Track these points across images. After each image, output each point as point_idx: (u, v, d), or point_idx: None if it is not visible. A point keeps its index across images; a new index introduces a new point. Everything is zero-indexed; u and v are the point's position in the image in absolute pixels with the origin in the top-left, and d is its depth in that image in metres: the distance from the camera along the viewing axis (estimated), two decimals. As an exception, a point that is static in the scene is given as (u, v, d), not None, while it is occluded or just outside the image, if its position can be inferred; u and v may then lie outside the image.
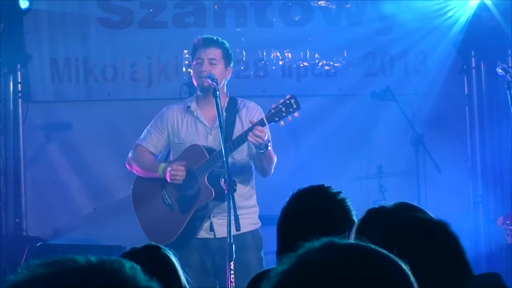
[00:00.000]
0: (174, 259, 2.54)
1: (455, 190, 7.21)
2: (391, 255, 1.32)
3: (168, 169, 5.31)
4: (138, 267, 1.24)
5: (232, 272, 4.75)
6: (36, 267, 1.20)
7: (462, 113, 7.50)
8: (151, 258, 2.49)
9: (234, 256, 4.77)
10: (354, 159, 7.13)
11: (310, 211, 2.70)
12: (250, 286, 2.85)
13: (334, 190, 2.80)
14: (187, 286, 2.51)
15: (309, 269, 1.28)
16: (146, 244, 2.60)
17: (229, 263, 4.77)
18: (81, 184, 7.12)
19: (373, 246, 1.34)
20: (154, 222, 5.46)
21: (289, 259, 1.32)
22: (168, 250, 2.58)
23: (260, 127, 5.05)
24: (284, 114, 5.11)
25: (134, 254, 2.51)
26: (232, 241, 4.80)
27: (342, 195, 2.78)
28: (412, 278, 1.32)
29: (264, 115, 5.17)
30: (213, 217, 5.34)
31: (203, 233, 5.37)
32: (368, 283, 1.26)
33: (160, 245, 2.61)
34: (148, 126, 5.59)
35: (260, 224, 5.46)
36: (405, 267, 1.32)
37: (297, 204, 2.79)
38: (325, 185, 2.83)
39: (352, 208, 2.75)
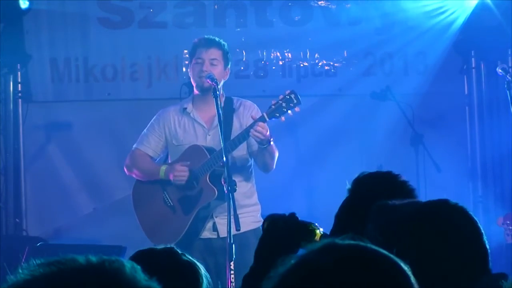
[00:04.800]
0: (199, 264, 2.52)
1: (455, 190, 7.20)
2: (391, 255, 1.32)
3: (172, 172, 5.32)
4: (139, 267, 1.24)
5: (232, 272, 4.76)
6: (36, 267, 1.20)
7: (462, 113, 7.49)
8: (174, 262, 2.47)
9: (234, 256, 4.77)
10: (354, 159, 7.12)
11: (380, 196, 2.48)
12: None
13: (404, 179, 2.74)
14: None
15: (309, 270, 1.28)
16: (165, 247, 2.58)
17: (229, 263, 4.77)
18: (81, 184, 7.11)
19: (373, 246, 1.33)
20: (156, 225, 5.46)
21: (290, 259, 1.32)
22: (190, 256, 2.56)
23: (261, 123, 5.07)
24: (285, 110, 5.13)
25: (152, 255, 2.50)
26: (232, 241, 4.81)
27: (412, 185, 2.73)
28: (412, 279, 1.31)
29: (264, 112, 5.20)
30: (216, 216, 5.35)
31: (206, 233, 5.37)
32: (367, 285, 1.26)
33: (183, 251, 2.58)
34: (145, 130, 5.60)
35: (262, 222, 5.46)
36: (405, 267, 1.32)
37: (367, 187, 2.70)
38: (394, 172, 2.76)
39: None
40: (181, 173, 5.30)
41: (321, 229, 2.58)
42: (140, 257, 2.47)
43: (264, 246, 2.55)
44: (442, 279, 1.98)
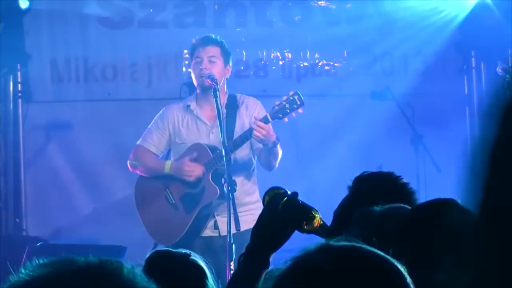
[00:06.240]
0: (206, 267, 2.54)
1: (455, 190, 7.19)
2: (386, 256, 1.32)
3: (182, 166, 5.33)
4: (139, 269, 1.24)
5: (232, 272, 4.76)
6: (35, 267, 1.20)
7: (462, 113, 7.49)
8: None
9: (234, 256, 4.77)
10: (354, 159, 7.12)
11: (379, 196, 2.53)
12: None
13: (405, 181, 2.71)
14: None
15: (304, 271, 1.29)
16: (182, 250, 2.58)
17: (229, 263, 4.78)
18: (81, 184, 7.11)
19: (368, 247, 1.34)
20: (158, 222, 5.48)
21: (286, 261, 1.33)
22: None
23: (260, 123, 5.09)
24: (288, 111, 5.15)
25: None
26: (232, 241, 4.82)
27: (412, 188, 2.73)
28: (408, 279, 1.32)
29: (267, 112, 5.21)
30: (217, 215, 5.37)
31: (207, 232, 5.39)
32: (363, 285, 1.26)
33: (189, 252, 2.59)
34: (149, 127, 5.61)
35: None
36: (401, 268, 1.32)
37: (367, 186, 2.69)
38: (395, 174, 2.76)
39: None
40: (193, 169, 5.30)
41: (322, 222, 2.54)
42: (156, 259, 2.50)
43: (261, 224, 2.51)
44: (440, 283, 1.98)
